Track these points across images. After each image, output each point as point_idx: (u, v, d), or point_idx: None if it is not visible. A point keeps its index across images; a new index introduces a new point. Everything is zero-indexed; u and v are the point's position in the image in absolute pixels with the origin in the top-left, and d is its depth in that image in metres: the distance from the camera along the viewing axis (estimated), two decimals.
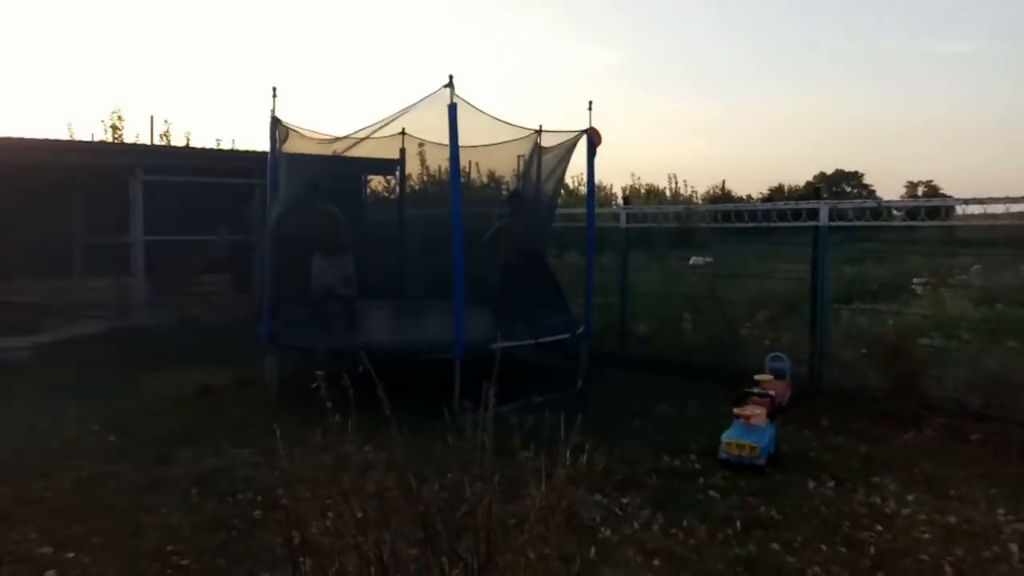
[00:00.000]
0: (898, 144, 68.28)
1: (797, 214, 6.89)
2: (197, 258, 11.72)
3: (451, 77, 5.69)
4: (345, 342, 6.27)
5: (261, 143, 13.50)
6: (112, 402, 6.46)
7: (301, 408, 6.32)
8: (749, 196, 33.18)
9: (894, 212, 7.34)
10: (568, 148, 7.10)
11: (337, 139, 6.86)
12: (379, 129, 6.75)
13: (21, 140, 9.77)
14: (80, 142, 10.38)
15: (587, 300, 7.21)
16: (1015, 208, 6.25)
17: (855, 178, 51.49)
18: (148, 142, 15.44)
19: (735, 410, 5.15)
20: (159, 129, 16.94)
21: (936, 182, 45.96)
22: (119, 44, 45.61)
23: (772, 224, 7.26)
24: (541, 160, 8.19)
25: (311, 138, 6.77)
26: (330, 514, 3.19)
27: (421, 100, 5.92)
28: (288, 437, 5.61)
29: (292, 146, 7.44)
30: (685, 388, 6.98)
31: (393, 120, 6.40)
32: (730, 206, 8.59)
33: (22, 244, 10.54)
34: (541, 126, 7.82)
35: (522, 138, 7.81)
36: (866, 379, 6.67)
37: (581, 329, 7.04)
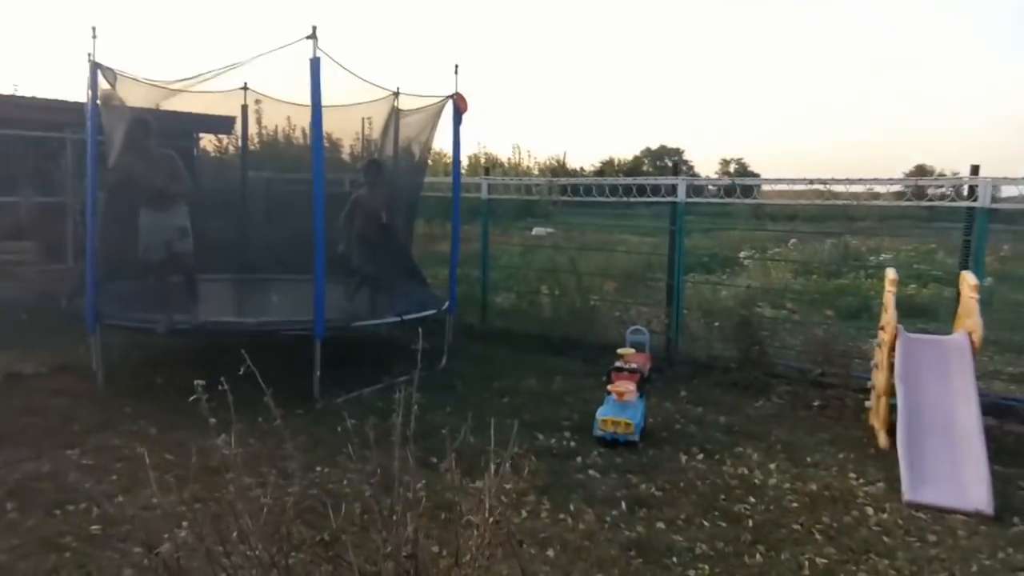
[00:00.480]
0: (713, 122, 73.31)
1: (656, 189, 7.02)
2: None
3: (315, 28, 5.17)
4: (188, 321, 5.61)
5: (72, 94, 11.71)
6: None
7: (134, 398, 5.68)
8: (583, 168, 34.17)
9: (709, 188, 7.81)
10: (433, 114, 6.75)
11: (173, 87, 6.03)
12: (218, 76, 5.99)
13: None
14: None
15: (452, 273, 6.97)
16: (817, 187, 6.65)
17: (676, 154, 54.86)
18: None
19: (608, 387, 5.17)
20: None
21: (744, 159, 49.66)
22: None
23: (632, 199, 7.34)
24: (398, 125, 7.80)
25: (140, 84, 5.90)
26: (185, 524, 2.78)
27: (274, 50, 5.34)
28: (124, 433, 5.07)
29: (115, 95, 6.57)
30: (549, 363, 6.98)
31: (235, 68, 5.71)
32: (590, 180, 8.60)
33: None
34: (398, 88, 7.44)
35: (378, 99, 7.37)
36: (715, 349, 7.00)
37: (446, 304, 6.81)
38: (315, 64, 5.19)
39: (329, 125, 6.59)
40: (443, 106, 6.65)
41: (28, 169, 9.80)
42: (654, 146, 53.22)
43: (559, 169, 27.82)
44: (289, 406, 5.38)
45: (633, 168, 40.78)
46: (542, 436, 5.01)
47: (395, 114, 7.72)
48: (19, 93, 10.20)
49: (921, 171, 25.77)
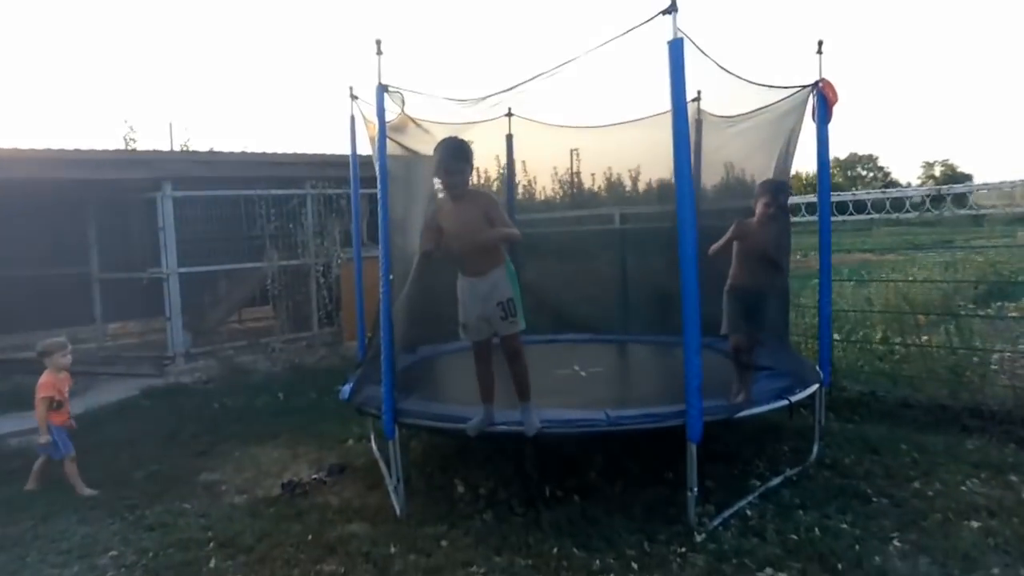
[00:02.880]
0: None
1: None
2: (239, 291, 9.68)
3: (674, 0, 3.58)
4: (511, 421, 4.08)
5: (307, 146, 11.28)
6: (161, 520, 4.39)
7: (443, 522, 4.03)
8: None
9: None
10: (786, 112, 4.92)
11: (471, 115, 4.65)
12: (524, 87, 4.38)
13: (17, 151, 7.70)
14: (92, 151, 8.33)
15: (823, 329, 5.06)
16: None
17: (869, 161, 49.44)
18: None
19: None
20: (179, 138, 14.96)
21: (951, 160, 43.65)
22: (128, 49, 43.73)
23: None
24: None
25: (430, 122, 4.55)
26: None
27: (616, 37, 3.76)
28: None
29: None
30: (964, 447, 4.92)
31: (559, 70, 4.10)
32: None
33: (26, 285, 8.53)
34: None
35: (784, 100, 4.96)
36: None
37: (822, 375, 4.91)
38: (676, 48, 3.58)
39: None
40: (805, 99, 4.83)
41: (270, 230, 9.18)
42: (842, 155, 48.33)
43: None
44: (650, 531, 3.78)
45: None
46: None
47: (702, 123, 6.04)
48: (255, 149, 9.62)
49: None
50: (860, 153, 48.41)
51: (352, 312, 9.17)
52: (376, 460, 5.22)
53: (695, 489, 3.77)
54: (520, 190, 7.54)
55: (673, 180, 3.79)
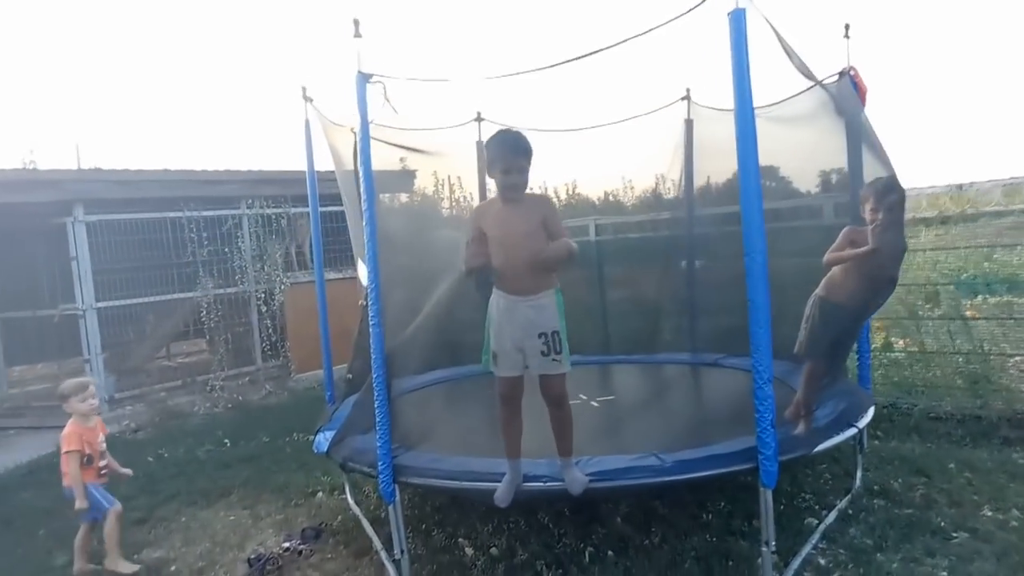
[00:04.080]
0: None
1: None
2: (167, 324, 8.59)
3: None
4: (550, 477, 3.32)
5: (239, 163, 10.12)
6: None
7: None
8: None
9: None
10: (816, 105, 4.41)
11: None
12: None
13: None
14: None
15: (864, 342, 4.55)
16: None
17: None
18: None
19: None
20: (88, 161, 13.59)
21: None
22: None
23: None
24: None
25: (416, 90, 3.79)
26: None
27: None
28: None
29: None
30: (1016, 463, 4.48)
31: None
32: None
33: None
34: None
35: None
36: None
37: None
38: (738, 18, 2.98)
39: None
40: (839, 85, 4.33)
41: (203, 256, 8.16)
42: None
43: None
44: None
45: None
46: None
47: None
48: (189, 167, 8.59)
49: None
50: None
51: (301, 342, 8.31)
52: (357, 518, 4.41)
53: (772, 544, 3.15)
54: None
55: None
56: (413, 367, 4.25)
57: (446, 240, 4.36)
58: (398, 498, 3.48)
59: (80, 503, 3.94)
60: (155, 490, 5.34)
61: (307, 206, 5.19)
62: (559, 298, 3.28)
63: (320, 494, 5.00)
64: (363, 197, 3.51)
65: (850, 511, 3.95)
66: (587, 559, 3.59)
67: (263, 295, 8.38)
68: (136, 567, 3.98)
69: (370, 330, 3.44)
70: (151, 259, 7.72)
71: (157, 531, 4.63)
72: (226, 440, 6.43)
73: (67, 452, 3.99)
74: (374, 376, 3.46)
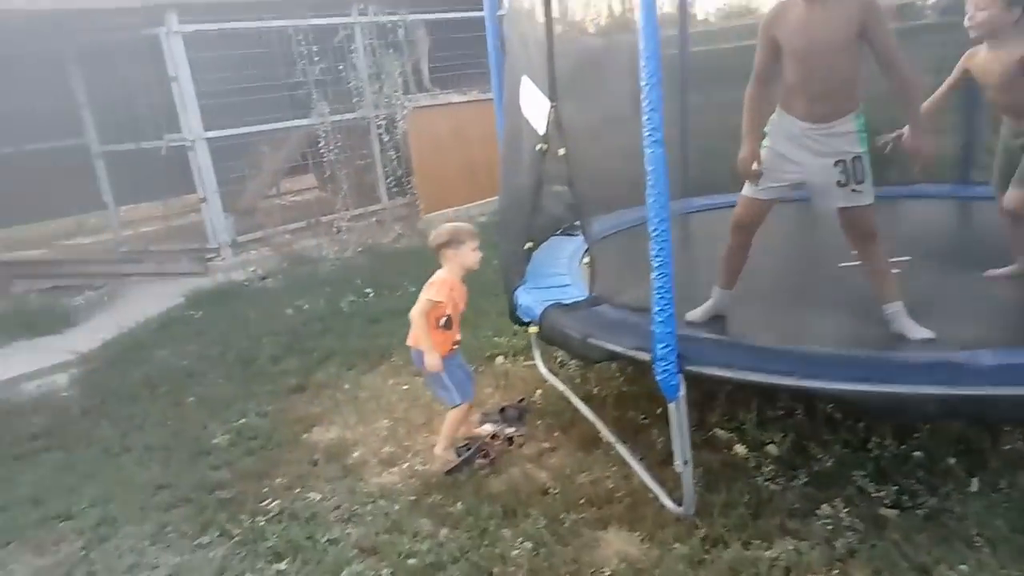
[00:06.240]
0: None
1: None
2: (279, 158, 7.65)
3: None
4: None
5: None
6: (291, 541, 2.72)
7: (750, 517, 2.36)
8: None
9: None
10: None
11: None
12: None
13: None
14: None
15: None
16: None
17: None
18: None
19: None
20: None
21: None
22: None
23: None
24: None
25: None
26: None
27: None
28: None
29: None
30: None
31: None
32: None
33: (6, 165, 6.58)
34: None
35: None
36: None
37: None
38: None
39: None
40: None
41: (315, 75, 6.99)
42: None
43: None
44: None
45: None
46: None
47: None
48: None
49: None
50: None
51: (429, 177, 7.29)
52: (559, 392, 3.53)
53: None
54: None
55: None
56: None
57: None
58: (683, 393, 2.49)
59: (431, 361, 2.97)
60: (304, 349, 4.58)
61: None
62: (861, 121, 2.78)
63: (500, 358, 4.14)
64: None
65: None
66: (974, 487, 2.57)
67: (384, 122, 7.26)
68: (456, 459, 3.14)
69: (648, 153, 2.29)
70: (258, 79, 6.61)
71: (321, 403, 3.87)
72: (367, 290, 5.60)
73: (428, 300, 2.98)
74: (654, 224, 2.35)
